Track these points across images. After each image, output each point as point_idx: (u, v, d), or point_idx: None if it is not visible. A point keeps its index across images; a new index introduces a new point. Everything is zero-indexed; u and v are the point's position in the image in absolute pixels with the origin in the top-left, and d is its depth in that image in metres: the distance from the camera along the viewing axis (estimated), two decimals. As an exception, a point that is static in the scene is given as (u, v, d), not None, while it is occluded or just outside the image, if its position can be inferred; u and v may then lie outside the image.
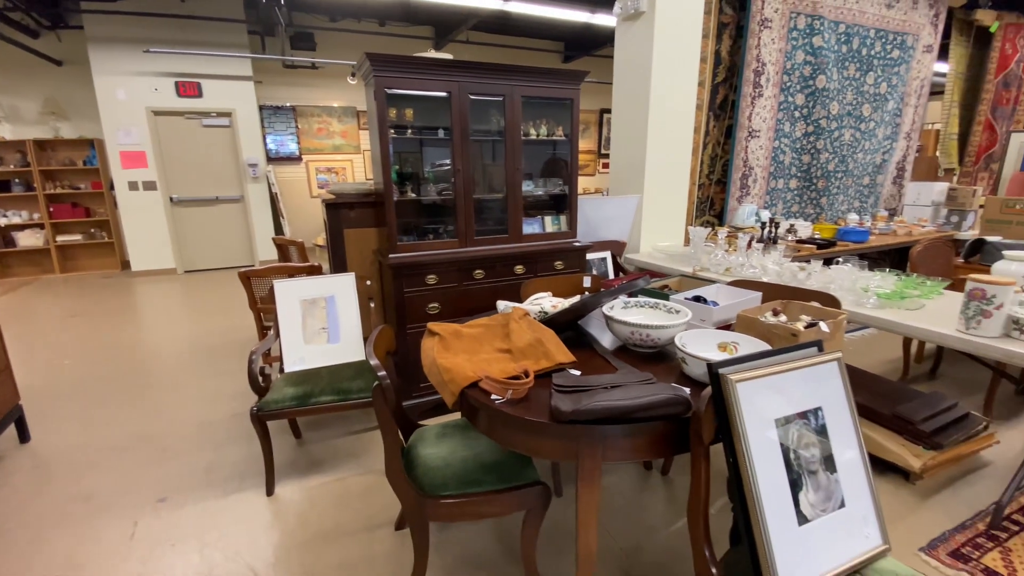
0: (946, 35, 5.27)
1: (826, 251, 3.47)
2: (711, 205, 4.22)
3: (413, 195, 2.66)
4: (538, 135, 2.81)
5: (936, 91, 5.59)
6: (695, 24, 3.42)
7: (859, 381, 2.46)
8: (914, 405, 2.17)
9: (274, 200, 7.16)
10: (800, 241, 3.64)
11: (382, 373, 1.33)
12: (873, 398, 2.27)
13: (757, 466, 1.07)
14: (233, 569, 1.73)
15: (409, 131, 2.58)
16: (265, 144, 7.68)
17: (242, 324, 4.47)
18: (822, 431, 1.17)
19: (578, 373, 1.41)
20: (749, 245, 3.05)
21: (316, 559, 1.77)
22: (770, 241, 3.53)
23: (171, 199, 6.59)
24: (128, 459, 2.41)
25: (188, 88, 6.21)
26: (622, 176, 3.75)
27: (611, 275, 3.32)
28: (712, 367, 1.10)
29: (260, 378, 2.11)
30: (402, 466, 1.38)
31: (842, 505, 1.15)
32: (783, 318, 1.57)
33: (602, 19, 6.30)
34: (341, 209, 2.73)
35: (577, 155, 2.83)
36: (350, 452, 2.43)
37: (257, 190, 7.10)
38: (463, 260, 2.56)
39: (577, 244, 2.88)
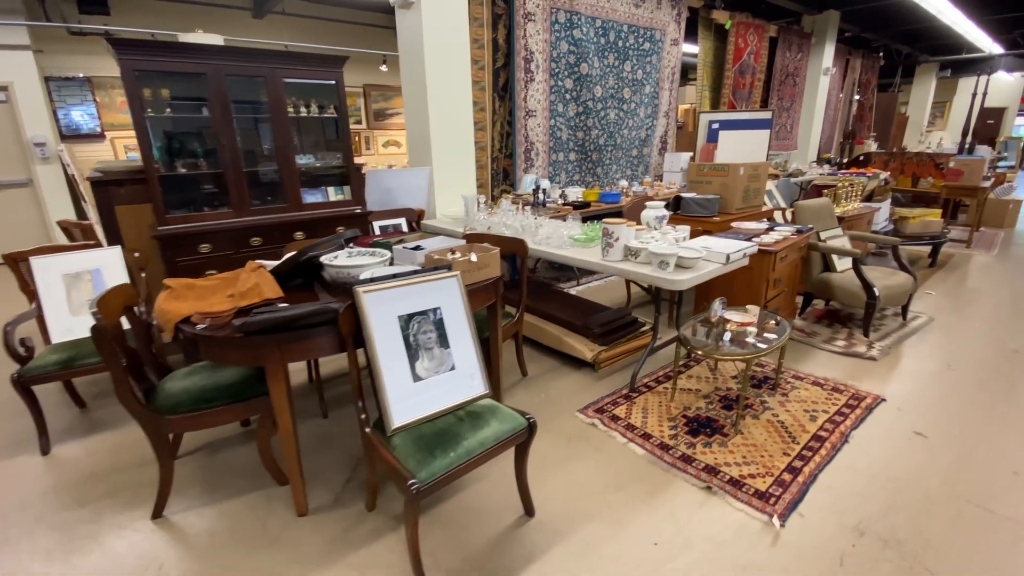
0: (696, 29, 6.46)
1: (582, 211, 4.27)
2: (505, 175, 4.87)
3: (184, 170, 2.83)
4: (309, 113, 3.12)
5: (693, 76, 6.84)
6: (461, 13, 3.91)
7: (576, 305, 3.22)
8: (599, 317, 2.95)
9: (71, 182, 6.49)
10: (566, 204, 4.42)
11: (99, 316, 1.62)
12: (578, 315, 3.02)
13: (379, 347, 1.59)
14: (7, 507, 1.91)
15: (168, 109, 2.74)
16: (56, 120, 6.86)
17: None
18: (439, 323, 1.73)
19: (285, 305, 1.83)
20: (517, 207, 3.70)
21: (87, 491, 2.02)
22: (541, 205, 4.25)
23: (-70, 185, 5.68)
24: None
25: (-60, 57, 5.35)
26: (416, 150, 4.19)
27: (405, 239, 3.78)
28: (349, 286, 1.59)
29: (21, 348, 2.23)
30: (131, 391, 1.70)
31: (452, 368, 1.73)
32: (458, 255, 2.13)
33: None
34: (110, 187, 2.81)
35: (348, 131, 3.20)
36: (138, 413, 2.62)
37: (49, 172, 6.39)
38: (238, 229, 2.83)
39: (358, 211, 3.27)
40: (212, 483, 2.07)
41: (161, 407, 1.79)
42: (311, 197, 3.17)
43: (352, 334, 1.61)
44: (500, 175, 4.80)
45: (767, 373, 2.84)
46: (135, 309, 1.98)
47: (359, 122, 9.20)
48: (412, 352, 1.65)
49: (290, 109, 3.00)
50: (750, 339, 2.31)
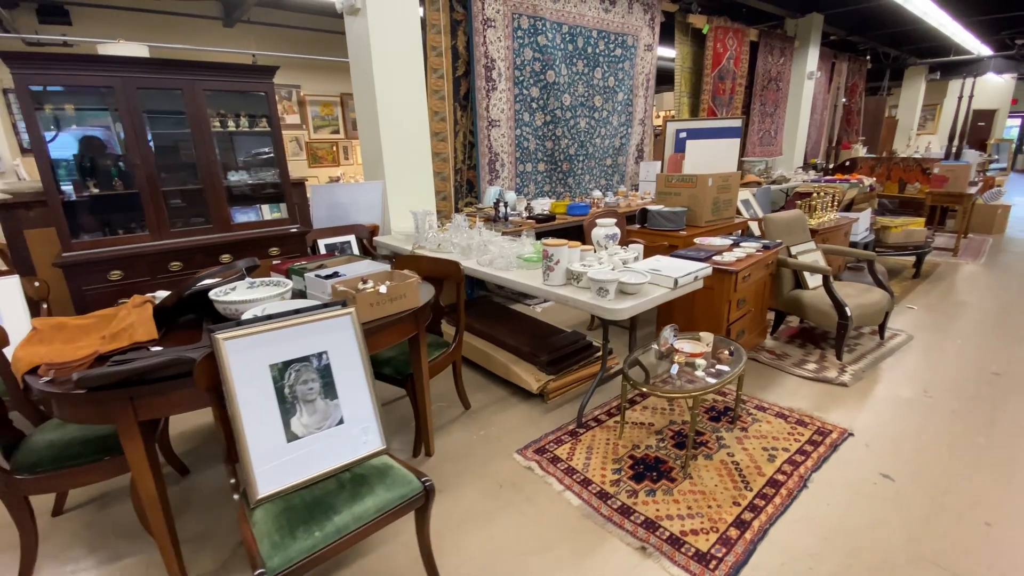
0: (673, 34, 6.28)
1: (546, 225, 4.07)
2: (470, 187, 4.67)
3: (96, 190, 2.63)
4: (239, 127, 2.92)
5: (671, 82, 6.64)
6: (412, 20, 3.71)
7: (529, 328, 3.00)
8: (549, 342, 2.74)
9: (30, 198, 6.28)
10: (530, 217, 4.22)
11: (-73, 368, 1.41)
12: (527, 340, 2.81)
13: (242, 403, 1.37)
14: None
15: (75, 125, 2.53)
16: (16, 133, 6.67)
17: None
18: (325, 370, 1.52)
19: (159, 348, 1.62)
20: (473, 223, 3.50)
21: (-54, 560, 1.80)
22: (503, 219, 4.04)
23: None
24: None
25: None
26: (370, 163, 3.99)
27: (356, 257, 3.57)
28: (210, 330, 1.38)
29: None
30: (-29, 452, 1.49)
31: (341, 422, 1.52)
32: (370, 284, 1.92)
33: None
34: (17, 210, 2.61)
35: (282, 145, 3.00)
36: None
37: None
38: (155, 253, 2.62)
39: (294, 230, 3.07)
40: (94, 543, 1.85)
41: (21, 465, 1.58)
42: (243, 216, 2.97)
43: (213, 388, 1.39)
44: (464, 187, 4.60)
45: (728, 403, 2.62)
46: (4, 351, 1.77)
47: (336, 131, 9.02)
48: (287, 406, 1.44)
49: (216, 123, 2.80)
50: (699, 372, 2.10)
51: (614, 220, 2.65)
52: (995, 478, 2.03)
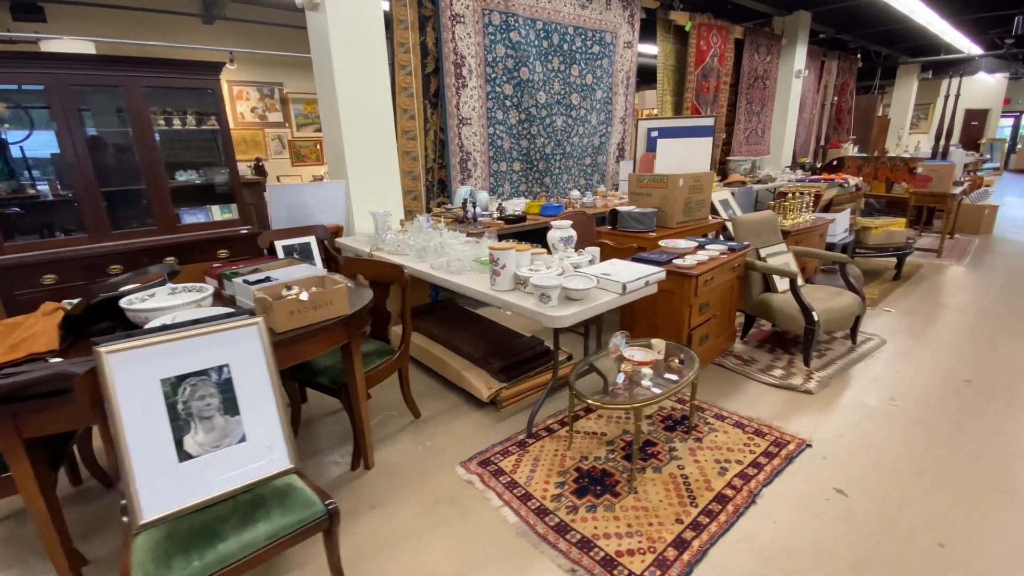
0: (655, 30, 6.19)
1: (516, 226, 3.98)
2: (443, 187, 4.58)
3: (33, 191, 2.53)
4: (184, 125, 2.82)
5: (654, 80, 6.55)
6: (375, 16, 3.61)
7: (488, 332, 2.91)
8: (505, 348, 2.65)
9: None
10: (500, 218, 4.12)
11: None
12: (482, 345, 2.73)
13: (127, 420, 1.28)
14: None
15: (7, 125, 2.44)
16: (-9, 131, 6.57)
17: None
18: (226, 384, 1.43)
19: (59, 360, 1.53)
20: (438, 223, 3.41)
21: None
22: (472, 220, 3.95)
23: None
24: None
25: None
26: (334, 162, 3.90)
27: (317, 259, 3.48)
28: (94, 343, 1.29)
29: None
30: None
31: (243, 440, 1.43)
32: (294, 291, 1.83)
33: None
34: (-51, 210, 2.51)
35: (231, 143, 2.90)
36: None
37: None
38: (93, 256, 2.52)
39: (244, 231, 2.97)
40: (7, 561, 1.76)
41: (-98, 486, 1.48)
42: (192, 217, 2.87)
43: (98, 404, 1.30)
44: (436, 187, 4.51)
45: (687, 411, 2.54)
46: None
47: (320, 130, 8.90)
48: (179, 424, 1.35)
49: (161, 121, 2.71)
50: (646, 381, 2.01)
51: (570, 223, 2.56)
52: (953, 495, 1.94)
